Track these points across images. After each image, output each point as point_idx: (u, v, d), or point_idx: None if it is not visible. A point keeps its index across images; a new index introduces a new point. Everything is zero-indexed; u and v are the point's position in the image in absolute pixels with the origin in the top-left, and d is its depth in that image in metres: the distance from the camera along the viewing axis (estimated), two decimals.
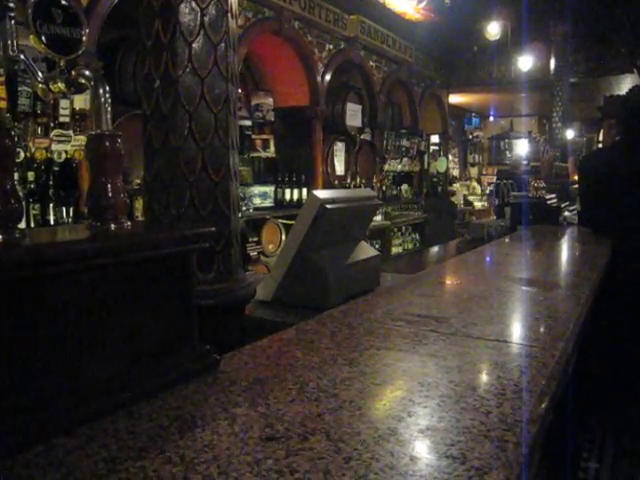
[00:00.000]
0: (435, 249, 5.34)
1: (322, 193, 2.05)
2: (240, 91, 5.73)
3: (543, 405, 1.00)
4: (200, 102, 1.64)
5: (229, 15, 1.67)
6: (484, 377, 1.15)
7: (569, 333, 1.38)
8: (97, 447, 0.83)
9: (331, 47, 6.69)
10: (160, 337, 1.07)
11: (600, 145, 7.80)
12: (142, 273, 1.02)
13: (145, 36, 1.57)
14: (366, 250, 2.39)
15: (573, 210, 4.53)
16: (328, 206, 1.95)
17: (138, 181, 4.21)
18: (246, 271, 3.87)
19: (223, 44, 1.65)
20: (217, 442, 0.84)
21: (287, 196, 6.14)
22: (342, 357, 1.21)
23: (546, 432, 1.10)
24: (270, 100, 6.34)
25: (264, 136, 6.37)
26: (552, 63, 8.54)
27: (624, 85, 8.46)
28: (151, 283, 1.04)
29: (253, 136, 6.14)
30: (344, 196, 2.26)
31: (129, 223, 1.11)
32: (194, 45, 1.58)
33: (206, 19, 1.59)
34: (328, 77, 6.59)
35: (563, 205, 4.71)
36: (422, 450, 0.84)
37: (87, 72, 1.04)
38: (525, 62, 8.78)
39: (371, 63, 7.66)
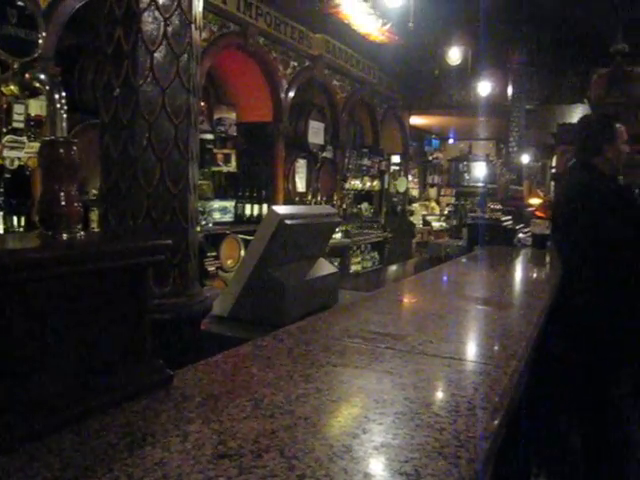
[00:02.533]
0: (394, 268, 5.39)
1: (282, 209, 2.05)
2: (203, 104, 5.69)
3: (496, 421, 1.01)
4: (160, 113, 1.62)
5: (193, 26, 1.66)
6: (439, 394, 1.15)
7: (522, 351, 1.41)
8: (39, 467, 0.79)
9: (296, 64, 6.74)
10: (112, 351, 1.04)
11: (553, 170, 8.05)
12: (94, 285, 0.99)
13: (106, 43, 1.54)
14: (325, 267, 2.39)
15: (527, 232, 4.64)
16: (287, 222, 1.94)
17: (95, 191, 4.12)
18: (204, 286, 3.82)
19: (186, 55, 1.63)
20: (168, 460, 0.82)
21: (247, 211, 6.11)
22: (298, 373, 1.19)
23: (499, 448, 1.11)
24: (233, 115, 6.33)
25: (226, 150, 6.34)
26: (510, 90, 8.80)
27: (575, 114, 8.79)
28: (103, 296, 1.01)
29: (215, 150, 6.09)
30: (304, 212, 2.26)
31: (82, 233, 1.08)
32: (156, 55, 1.56)
33: (169, 29, 1.58)
34: (292, 94, 6.62)
35: (518, 227, 4.82)
36: (376, 467, 0.83)
37: (42, 76, 1.01)
38: (484, 87, 9.02)
39: (335, 82, 7.75)
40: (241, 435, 0.90)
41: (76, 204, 1.05)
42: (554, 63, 9.11)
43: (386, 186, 9.39)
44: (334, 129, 7.69)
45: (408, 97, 10.02)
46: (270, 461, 0.82)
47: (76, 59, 4.19)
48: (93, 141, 1.83)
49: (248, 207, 6.11)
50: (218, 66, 5.99)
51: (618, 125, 2.64)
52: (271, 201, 6.11)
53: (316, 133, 7.13)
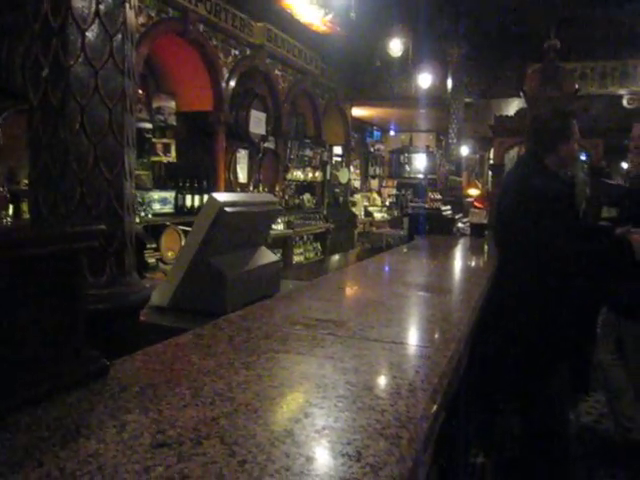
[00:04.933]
0: (336, 257, 5.42)
1: (221, 196, 2.01)
2: (141, 92, 5.53)
3: (436, 403, 1.03)
4: (94, 95, 1.55)
5: (127, 5, 1.59)
6: (380, 377, 1.17)
7: (460, 335, 1.44)
8: None
9: (237, 53, 6.64)
10: (43, 342, 0.99)
11: (491, 162, 8.29)
12: (21, 272, 0.94)
13: (32, 19, 1.46)
14: (266, 255, 2.37)
15: (466, 222, 4.77)
16: (227, 209, 1.91)
17: (27, 181, 3.93)
18: (143, 278, 3.73)
19: (120, 35, 1.57)
20: (103, 451, 0.79)
21: (188, 202, 5.99)
22: (239, 361, 1.18)
23: (440, 429, 1.13)
24: (172, 103, 6.18)
25: (165, 140, 6.19)
26: (449, 83, 8.98)
27: (512, 107, 9.07)
28: (32, 284, 0.97)
29: (154, 140, 5.94)
30: (244, 200, 2.23)
31: (9, 219, 1.03)
32: (88, 34, 1.49)
33: (102, 7, 1.51)
34: (233, 83, 6.53)
35: (457, 217, 4.94)
36: (318, 450, 0.83)
37: None
38: (424, 80, 9.16)
39: (277, 72, 7.69)
40: (180, 423, 0.88)
41: (2, 189, 1.00)
42: (491, 58, 9.36)
43: (328, 177, 9.42)
44: (276, 119, 7.65)
45: (350, 88, 10.07)
46: (210, 448, 0.81)
47: (2, 40, 3.98)
48: (24, 128, 1.74)
49: (189, 198, 6.00)
50: (157, 53, 5.83)
51: (574, 122, 2.60)
52: (212, 192, 5.99)
53: (258, 123, 7.07)
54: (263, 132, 7.21)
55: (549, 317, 2.47)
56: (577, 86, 6.08)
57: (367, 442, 0.84)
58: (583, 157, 5.61)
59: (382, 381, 1.15)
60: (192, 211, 5.84)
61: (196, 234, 2.02)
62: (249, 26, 6.75)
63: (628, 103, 9.14)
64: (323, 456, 0.82)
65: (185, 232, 5.30)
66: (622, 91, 9.13)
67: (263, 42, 7.00)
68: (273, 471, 0.75)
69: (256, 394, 1.01)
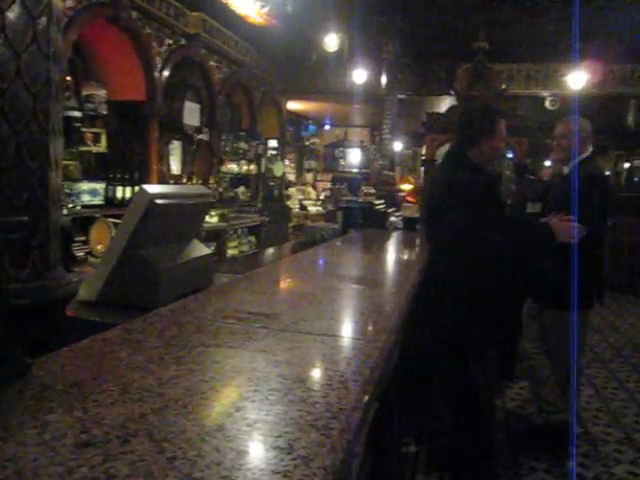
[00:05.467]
0: (270, 251, 5.40)
1: (152, 188, 1.96)
2: (69, 79, 5.30)
3: (367, 393, 1.04)
4: (16, 79, 1.47)
5: None
6: (312, 370, 1.18)
7: (392, 326, 1.47)
8: None
9: (171, 42, 6.48)
10: None
11: (423, 157, 8.48)
12: None
13: None
14: (199, 248, 2.34)
15: (399, 215, 4.87)
16: (158, 201, 1.87)
17: None
18: (70, 272, 3.59)
19: (45, 18, 1.50)
20: (22, 454, 0.76)
21: (119, 194, 5.80)
22: (169, 356, 1.16)
23: (373, 419, 1.15)
24: (103, 92, 5.95)
25: (95, 130, 5.96)
26: (383, 79, 9.11)
27: (444, 105, 9.32)
28: None
29: (83, 129, 5.70)
30: (176, 192, 2.19)
31: None
32: (8, 14, 1.40)
33: None
34: (167, 73, 6.36)
35: (390, 211, 5.03)
36: (249, 444, 0.83)
37: None
38: (359, 75, 9.25)
39: (212, 63, 7.56)
40: (107, 421, 0.86)
41: None
42: (425, 56, 9.57)
43: (263, 170, 9.37)
44: (210, 111, 7.52)
45: (286, 81, 10.04)
46: (138, 446, 0.79)
47: None
48: None
49: (120, 189, 5.80)
50: (87, 39, 5.60)
51: (500, 120, 2.65)
52: (144, 183, 5.83)
53: (192, 114, 6.93)
54: (197, 123, 7.08)
55: (476, 307, 2.56)
56: (504, 86, 6.32)
57: (298, 434, 0.85)
58: (509, 155, 5.84)
59: (314, 373, 1.16)
60: (123, 203, 5.66)
61: (126, 226, 1.96)
62: (184, 15, 6.60)
63: (550, 104, 9.59)
64: (255, 450, 0.82)
65: (116, 224, 5.14)
66: (545, 93, 9.57)
67: (198, 32, 6.85)
68: (203, 466, 0.75)
69: (187, 389, 0.99)
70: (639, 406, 4.15)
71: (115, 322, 1.45)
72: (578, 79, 8.67)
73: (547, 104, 9.61)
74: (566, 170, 3.30)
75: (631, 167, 17.80)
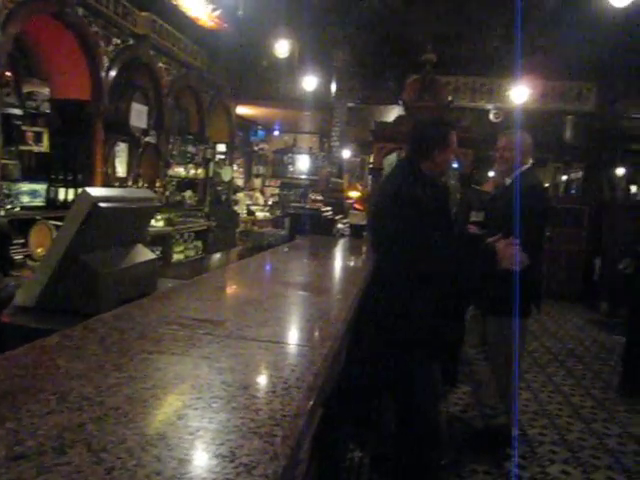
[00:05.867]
0: (217, 256, 5.35)
1: (95, 191, 1.91)
2: (9, 74, 5.10)
3: (311, 400, 1.05)
4: None
5: None
6: (256, 376, 1.17)
7: (337, 333, 1.48)
8: None
9: (119, 42, 6.32)
10: None
11: (371, 166, 8.60)
12: None
13: None
14: (143, 253, 2.29)
15: (346, 223, 4.91)
16: (101, 204, 1.82)
17: None
18: (7, 276, 3.45)
19: None
20: None
21: (61, 196, 5.61)
22: (110, 363, 1.13)
23: (317, 426, 1.16)
24: (46, 90, 5.75)
25: (37, 129, 5.73)
26: (333, 87, 9.19)
27: (392, 114, 9.47)
28: None
29: (24, 127, 5.48)
30: (120, 195, 2.14)
31: None
32: None
33: None
34: (113, 73, 6.21)
35: (337, 217, 5.07)
36: (191, 452, 0.82)
37: None
38: (309, 82, 9.30)
39: (160, 64, 7.43)
40: (42, 432, 0.83)
41: None
42: (374, 66, 9.72)
43: (211, 174, 9.26)
44: (158, 113, 7.39)
45: (236, 86, 9.98)
46: (75, 457, 0.76)
47: None
48: None
49: (62, 191, 5.62)
50: (29, 34, 5.40)
51: (452, 132, 2.67)
52: (88, 185, 5.67)
53: (139, 116, 6.79)
54: (144, 126, 6.94)
55: (420, 315, 2.60)
56: (451, 98, 6.47)
57: (241, 442, 0.84)
58: (455, 165, 5.98)
59: (258, 380, 1.15)
60: (65, 205, 5.48)
61: (67, 229, 1.90)
62: (133, 14, 6.46)
63: (494, 117, 9.90)
64: (196, 458, 0.81)
65: (57, 227, 4.97)
66: (489, 106, 9.88)
67: (147, 33, 6.72)
68: (143, 476, 0.73)
69: (127, 397, 0.97)
70: (573, 408, 4.32)
71: (54, 328, 1.40)
72: (520, 94, 9.00)
73: (491, 117, 9.93)
74: (508, 181, 3.42)
75: (568, 179, 18.54)
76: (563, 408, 4.32)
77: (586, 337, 6.80)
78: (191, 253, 7.90)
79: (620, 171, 13.38)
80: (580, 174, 17.43)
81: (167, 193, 7.79)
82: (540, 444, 3.65)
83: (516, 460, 3.36)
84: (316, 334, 1.51)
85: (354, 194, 6.52)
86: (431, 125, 2.76)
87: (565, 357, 5.82)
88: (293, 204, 5.29)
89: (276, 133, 15.09)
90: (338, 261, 3.66)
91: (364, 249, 3.91)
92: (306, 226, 4.67)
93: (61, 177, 5.65)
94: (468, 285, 3.41)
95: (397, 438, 2.78)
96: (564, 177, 18.80)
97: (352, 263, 3.63)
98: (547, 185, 16.12)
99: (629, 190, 14.65)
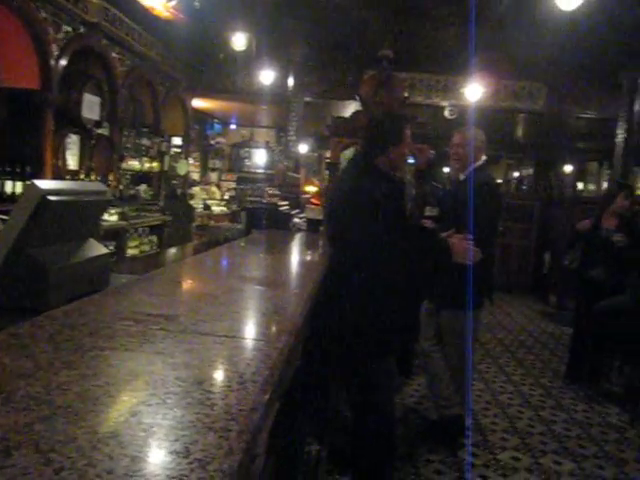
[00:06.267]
0: (172, 251, 5.27)
1: (44, 183, 1.85)
2: None
3: (267, 394, 1.04)
4: None
5: None
6: (211, 371, 1.16)
7: (293, 327, 1.48)
8: None
9: (69, 29, 6.13)
10: None
11: (328, 160, 8.61)
12: None
13: None
14: (95, 248, 2.24)
15: (302, 217, 4.91)
16: (50, 197, 1.77)
17: None
18: None
19: None
20: None
21: (8, 189, 5.41)
22: (60, 360, 1.10)
23: (274, 420, 1.16)
24: None
25: None
26: (290, 81, 9.16)
27: (349, 109, 9.51)
28: None
29: None
30: (70, 188, 2.08)
31: None
32: None
33: None
34: (64, 62, 6.01)
35: (294, 212, 5.07)
36: (145, 449, 0.80)
37: None
38: (267, 76, 9.24)
39: (114, 54, 7.24)
40: None
41: None
42: (332, 61, 9.73)
43: (166, 168, 9.11)
44: (112, 105, 7.21)
45: (192, 78, 9.84)
46: (21, 458, 0.74)
47: None
48: None
49: (9, 184, 5.42)
50: None
51: (407, 127, 2.70)
52: (37, 178, 5.49)
53: (91, 107, 6.61)
54: (97, 117, 6.76)
55: (376, 308, 2.63)
56: (407, 94, 6.54)
57: (196, 437, 0.84)
58: (411, 160, 6.06)
59: (213, 375, 1.14)
60: (13, 199, 5.29)
61: (14, 223, 1.84)
62: (84, 1, 6.26)
63: (449, 114, 10.06)
64: (150, 455, 0.80)
65: (4, 221, 4.79)
66: (444, 103, 10.03)
67: (99, 21, 6.54)
68: (94, 475, 0.72)
69: (78, 395, 0.95)
70: (523, 397, 4.45)
71: (0, 326, 1.36)
72: (474, 91, 9.17)
73: (446, 113, 10.09)
74: (462, 176, 3.48)
75: (520, 176, 19.04)
76: (514, 397, 4.44)
77: (536, 328, 7.01)
78: (146, 248, 7.76)
79: (568, 169, 13.85)
80: (531, 171, 17.94)
81: (121, 187, 7.63)
82: (492, 432, 3.75)
83: (469, 449, 3.45)
84: (272, 328, 1.51)
85: (311, 189, 6.53)
86: (386, 120, 2.78)
87: (516, 348, 5.99)
88: (250, 198, 5.25)
89: (233, 127, 14.97)
90: (295, 255, 3.66)
91: (320, 244, 3.92)
92: (263, 221, 4.65)
93: (8, 169, 5.45)
94: (422, 279, 3.47)
95: (354, 431, 2.80)
96: (516, 174, 19.33)
97: (309, 257, 3.64)
98: (500, 181, 16.56)
99: (576, 187, 15.15)
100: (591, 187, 16.34)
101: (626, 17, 7.19)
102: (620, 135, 8.95)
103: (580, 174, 16.81)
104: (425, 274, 3.47)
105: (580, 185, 16.46)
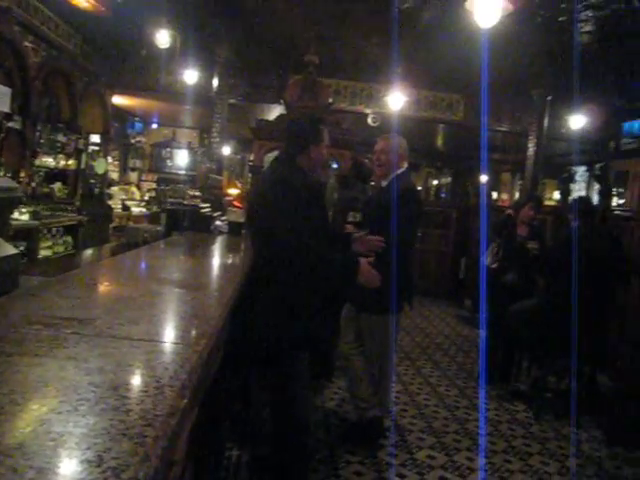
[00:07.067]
0: (89, 252, 5.07)
1: None
2: None
3: (184, 399, 1.02)
4: None
5: None
6: (127, 376, 1.12)
7: (212, 330, 1.46)
8: None
9: None
10: None
11: (251, 163, 8.58)
12: None
13: None
14: (2, 248, 2.12)
15: (224, 220, 4.85)
16: None
17: None
18: None
19: None
20: None
21: None
22: None
23: (193, 425, 1.13)
24: None
25: None
26: (215, 81, 9.04)
27: (273, 113, 9.52)
28: None
29: None
30: None
31: None
32: None
33: None
34: None
35: (215, 214, 5.00)
36: (53, 460, 0.77)
37: None
38: (191, 76, 9.07)
39: (27, 43, 6.88)
40: None
41: None
42: (257, 64, 9.70)
43: (83, 166, 8.74)
44: (24, 97, 6.84)
45: (112, 74, 9.51)
46: None
47: None
48: None
49: None
50: None
51: (324, 128, 2.79)
52: None
53: (1, 99, 6.24)
54: (7, 110, 6.39)
55: (296, 310, 2.65)
56: (331, 100, 6.62)
57: (109, 445, 0.81)
58: (335, 165, 6.13)
59: (129, 380, 1.11)
60: None
61: None
62: None
63: (372, 121, 10.28)
64: (59, 465, 0.76)
65: None
66: (368, 110, 10.25)
67: (10, 6, 6.19)
68: None
69: None
70: (439, 398, 4.60)
71: None
72: (397, 100, 9.42)
73: (369, 121, 10.29)
74: (384, 183, 3.56)
75: (439, 184, 19.71)
76: (430, 398, 4.58)
77: (452, 332, 7.26)
78: (60, 249, 7.40)
79: (484, 178, 14.51)
80: (449, 179, 18.65)
81: (33, 184, 7.25)
82: (410, 432, 3.85)
83: (388, 449, 3.52)
84: (191, 331, 1.48)
85: (233, 191, 6.48)
86: (305, 122, 2.86)
87: (433, 351, 6.18)
88: (170, 200, 5.13)
89: (154, 126, 14.61)
90: (215, 258, 3.61)
91: (242, 246, 3.89)
92: (184, 223, 4.56)
93: None
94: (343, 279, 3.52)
95: (272, 436, 2.80)
96: (435, 182, 20.03)
97: (229, 260, 3.60)
98: (420, 188, 17.11)
99: (491, 195, 15.86)
100: (505, 196, 17.22)
101: (534, 43, 7.67)
102: (531, 148, 9.49)
103: (495, 184, 17.65)
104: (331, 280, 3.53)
105: (495, 194, 17.30)
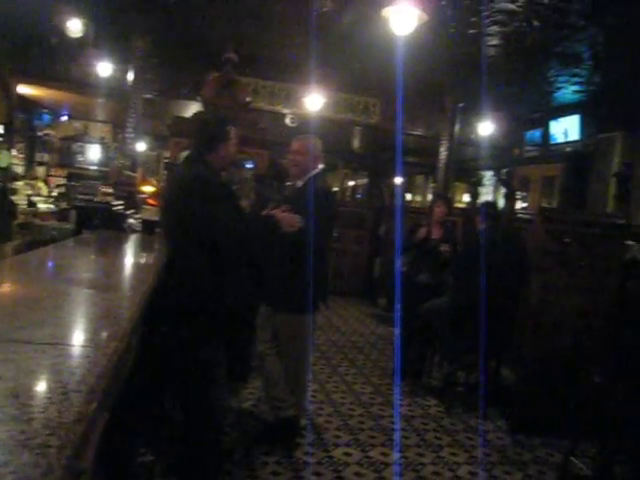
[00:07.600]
0: None
1: None
2: None
3: (92, 404, 0.98)
4: None
5: None
6: (29, 383, 1.06)
7: (123, 332, 1.41)
8: None
9: None
10: None
11: (167, 160, 8.34)
12: None
13: None
14: None
15: (138, 218, 4.71)
16: None
17: None
18: None
19: None
20: None
21: None
22: None
23: (104, 430, 1.09)
24: None
25: None
26: (130, 75, 8.73)
27: (191, 110, 9.32)
28: None
29: None
30: None
31: None
32: None
33: None
34: None
35: (129, 212, 4.84)
36: None
37: None
38: (104, 68, 8.73)
39: None
40: None
41: None
42: (175, 59, 9.47)
43: None
44: None
45: (18, 62, 8.96)
46: None
47: None
48: None
49: None
50: None
51: (232, 128, 2.91)
52: None
53: None
54: None
55: (210, 310, 2.66)
56: (249, 99, 6.58)
57: (7, 458, 0.76)
58: (250, 165, 6.10)
59: (31, 387, 1.05)
60: None
61: None
62: None
63: (290, 122, 10.31)
64: None
65: None
66: (286, 110, 10.27)
67: None
68: None
69: None
70: (355, 396, 4.69)
71: None
72: (314, 102, 9.50)
73: (287, 121, 10.32)
74: (299, 183, 3.59)
75: (355, 185, 20.07)
76: (346, 396, 4.66)
77: (367, 330, 7.42)
78: None
79: (398, 180, 14.92)
80: (365, 180, 19.01)
81: None
82: (326, 430, 3.89)
83: (304, 448, 3.55)
84: (101, 334, 1.43)
85: (148, 189, 6.28)
86: (214, 121, 2.98)
87: (349, 349, 6.28)
88: (81, 196, 4.91)
89: (64, 118, 13.89)
90: (128, 257, 3.50)
91: (156, 245, 3.79)
92: (95, 220, 4.38)
93: None
94: (260, 279, 3.55)
95: (185, 438, 2.77)
96: (351, 182, 20.37)
97: (143, 260, 3.50)
98: (336, 189, 17.35)
99: (405, 197, 16.35)
100: (418, 198, 17.80)
101: (447, 53, 8.01)
102: (443, 152, 9.87)
103: (408, 186, 18.18)
104: (261, 276, 3.57)
105: (408, 196, 17.84)
